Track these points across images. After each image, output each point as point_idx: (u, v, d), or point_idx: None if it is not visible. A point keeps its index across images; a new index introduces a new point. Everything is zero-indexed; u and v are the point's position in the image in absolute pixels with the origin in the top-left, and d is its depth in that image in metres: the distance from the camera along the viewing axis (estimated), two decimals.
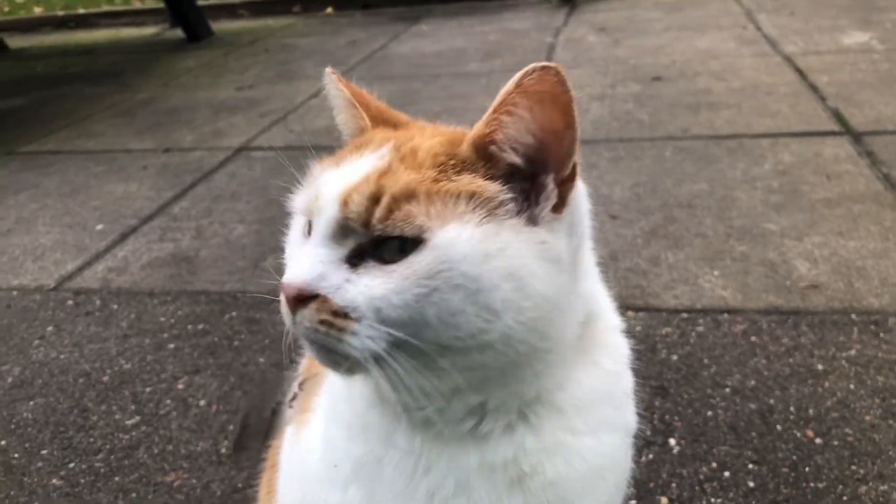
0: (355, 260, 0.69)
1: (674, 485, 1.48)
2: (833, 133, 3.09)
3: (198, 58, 5.91)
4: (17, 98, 5.20)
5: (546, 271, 0.69)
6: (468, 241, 0.66)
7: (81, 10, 8.79)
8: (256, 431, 1.72)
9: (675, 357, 1.86)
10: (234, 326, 2.19)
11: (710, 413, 1.66)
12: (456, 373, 0.70)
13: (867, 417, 1.61)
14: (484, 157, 0.71)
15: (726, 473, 1.50)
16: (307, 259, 0.70)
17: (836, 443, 1.55)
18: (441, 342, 0.68)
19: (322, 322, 0.68)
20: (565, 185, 0.72)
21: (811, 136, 3.08)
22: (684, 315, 2.03)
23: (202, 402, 1.86)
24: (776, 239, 2.36)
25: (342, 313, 0.67)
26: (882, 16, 4.75)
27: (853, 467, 1.48)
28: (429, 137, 0.75)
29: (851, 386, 1.71)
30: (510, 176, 0.71)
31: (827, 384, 1.72)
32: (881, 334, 1.88)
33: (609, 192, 2.79)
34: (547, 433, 0.77)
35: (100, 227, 2.99)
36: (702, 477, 1.49)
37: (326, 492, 0.85)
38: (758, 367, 1.80)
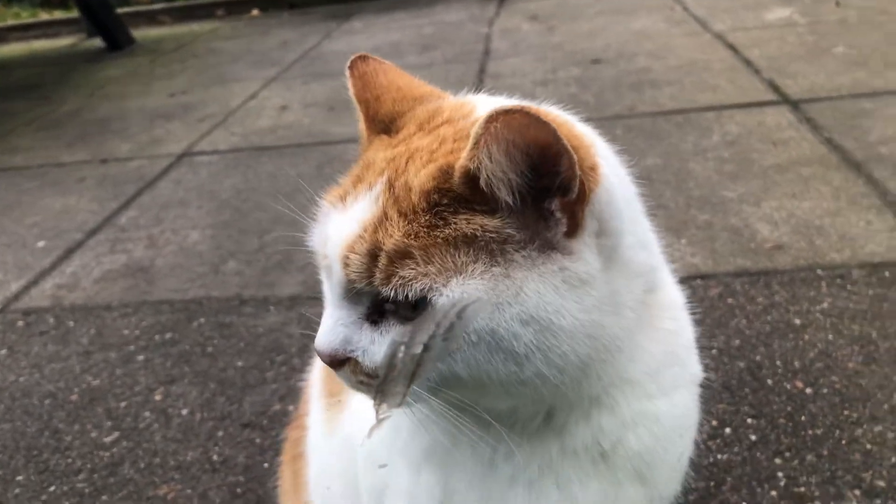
0: (375, 317, 0.67)
1: None
2: (772, 102, 3.20)
3: (121, 66, 5.68)
4: None
5: (572, 299, 0.63)
6: (476, 293, 0.61)
7: None
8: None
9: None
10: (204, 333, 2.11)
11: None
12: (503, 401, 0.70)
13: (850, 365, 1.66)
14: (477, 191, 0.62)
15: (727, 430, 1.53)
16: (329, 323, 0.69)
17: (825, 391, 1.60)
18: (479, 386, 0.66)
19: (361, 383, 0.69)
20: (576, 207, 0.63)
21: (752, 107, 3.18)
22: None
23: (184, 412, 1.78)
24: (735, 205, 2.42)
25: (375, 374, 0.67)
26: None
27: (846, 412, 1.53)
28: (423, 162, 0.66)
29: (830, 337, 1.76)
30: (511, 207, 0.62)
31: (807, 337, 1.77)
32: (848, 286, 1.95)
33: None
34: (623, 407, 0.76)
35: (41, 244, 2.83)
36: (704, 436, 1.51)
37: (393, 476, 0.81)
38: (739, 326, 1.84)
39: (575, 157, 0.59)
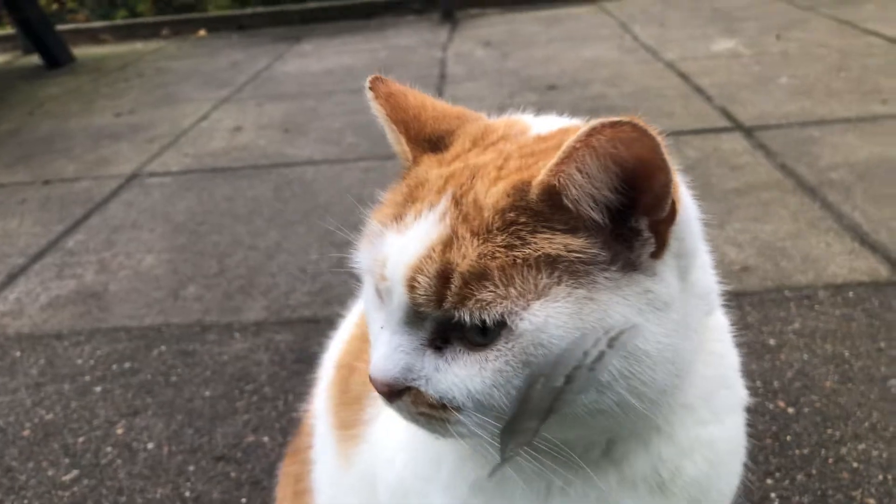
0: (439, 343, 0.63)
1: None
2: (727, 129, 3.29)
3: (62, 85, 5.46)
4: None
5: (656, 323, 0.61)
6: (558, 318, 0.58)
7: None
8: None
9: None
10: (166, 361, 2.00)
11: None
12: (573, 431, 0.66)
13: (827, 383, 1.69)
14: (559, 208, 0.59)
15: None
16: (387, 350, 0.64)
17: (806, 410, 1.61)
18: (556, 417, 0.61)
19: (421, 414, 0.64)
20: (664, 226, 0.61)
21: (708, 133, 3.26)
22: None
23: (150, 445, 1.67)
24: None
25: (440, 405, 0.63)
26: (742, 24, 5.15)
27: (829, 431, 1.55)
28: (491, 178, 0.63)
29: (805, 356, 1.79)
30: (597, 225, 0.60)
31: (783, 356, 1.80)
32: (816, 307, 1.99)
33: None
34: (680, 434, 0.74)
35: None
36: None
37: None
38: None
39: (671, 174, 0.57)
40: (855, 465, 1.45)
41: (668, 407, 0.70)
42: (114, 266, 2.59)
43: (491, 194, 0.61)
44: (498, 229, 0.59)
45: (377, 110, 0.75)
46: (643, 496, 0.74)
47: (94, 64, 6.12)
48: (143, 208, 3.05)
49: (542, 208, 0.59)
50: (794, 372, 1.74)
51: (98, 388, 1.91)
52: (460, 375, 0.61)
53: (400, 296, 0.62)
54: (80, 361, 2.04)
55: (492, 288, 0.58)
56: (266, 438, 1.66)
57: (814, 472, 1.44)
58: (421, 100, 0.77)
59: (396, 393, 0.64)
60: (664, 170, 0.56)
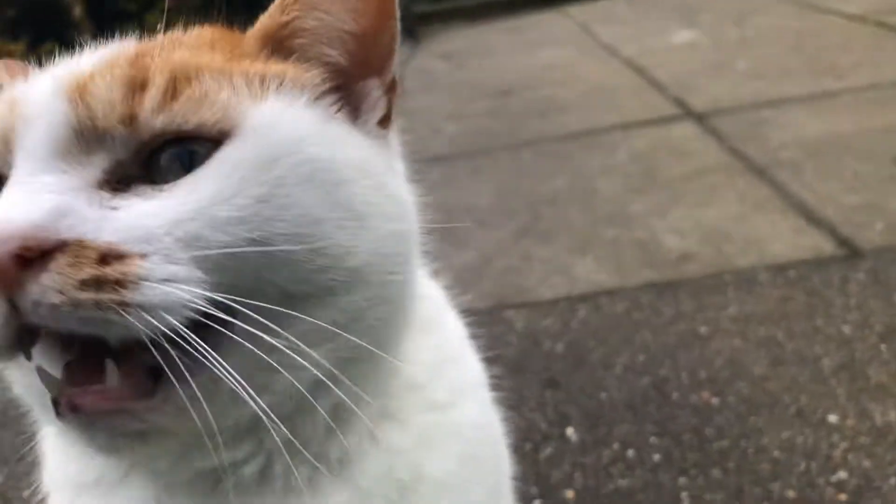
0: (112, 186, 0.46)
1: (577, 475, 1.35)
2: (677, 117, 3.18)
3: None
4: None
5: (394, 176, 0.58)
6: (301, 119, 0.50)
7: None
8: None
9: (560, 347, 1.76)
10: None
11: (604, 395, 1.56)
12: (315, 347, 0.48)
13: (756, 369, 1.56)
14: (282, 53, 0.54)
15: (630, 452, 1.39)
16: (22, 194, 0.43)
17: (731, 399, 1.48)
18: (295, 283, 0.47)
19: (86, 283, 0.40)
20: (390, 93, 0.58)
21: (659, 123, 3.15)
22: (563, 304, 1.94)
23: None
24: (642, 219, 2.34)
25: (115, 255, 0.42)
26: (701, 16, 5.06)
27: (752, 419, 1.41)
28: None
29: (736, 342, 1.66)
30: (326, 74, 0.55)
31: (713, 345, 1.67)
32: (754, 289, 1.86)
33: (475, 202, 2.71)
34: (412, 419, 0.60)
35: None
36: (606, 461, 1.38)
37: None
38: (644, 341, 1.73)
39: (398, 34, 0.56)
40: (776, 454, 1.31)
41: (391, 384, 0.59)
42: None
43: (194, 33, 0.55)
44: (208, 51, 0.52)
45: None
46: None
47: None
48: None
49: (257, 50, 0.54)
50: (723, 360, 1.61)
51: None
52: (160, 205, 0.44)
53: (53, 115, 0.45)
54: None
55: (209, 82, 0.47)
56: None
57: (731, 465, 1.31)
58: None
59: (39, 261, 0.40)
60: (393, 16, 0.55)
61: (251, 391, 0.44)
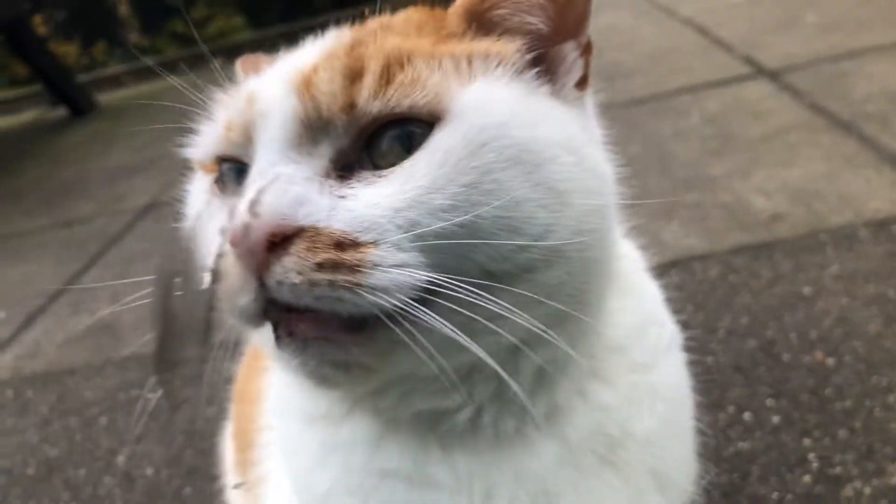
0: (338, 173, 0.50)
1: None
2: (749, 76, 3.07)
3: (84, 131, 5.57)
4: None
5: (595, 147, 0.58)
6: (506, 99, 0.50)
7: None
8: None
9: None
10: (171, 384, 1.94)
11: (710, 360, 1.52)
12: (519, 314, 0.49)
13: (870, 328, 1.50)
14: (484, 28, 0.56)
15: (746, 415, 1.36)
16: (265, 184, 0.48)
17: (847, 358, 1.43)
18: (497, 262, 0.48)
19: (322, 266, 0.45)
20: (586, 53, 0.59)
21: (730, 83, 3.05)
22: (654, 271, 1.90)
23: (149, 471, 1.61)
24: (724, 181, 2.28)
25: (349, 242, 0.46)
26: None
27: (874, 379, 1.36)
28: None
29: (844, 301, 1.60)
30: (526, 43, 0.57)
31: (820, 305, 1.61)
32: (855, 247, 1.79)
33: None
34: (620, 380, 0.61)
35: (0, 315, 2.67)
36: (722, 424, 1.35)
37: None
38: (745, 304, 1.68)
39: None
40: None
41: (596, 346, 0.60)
42: (127, 297, 2.55)
43: (402, 16, 0.57)
44: (415, 36, 0.54)
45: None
46: (591, 471, 0.58)
47: (117, 107, 6.23)
48: (156, 237, 3.03)
49: (462, 28, 0.55)
50: (832, 319, 1.56)
51: (104, 420, 1.86)
52: (379, 195, 0.48)
53: (284, 109, 0.50)
54: (88, 394, 2.00)
55: (419, 66, 0.49)
56: None
57: (857, 426, 1.26)
58: None
59: (281, 245, 0.46)
60: None
61: (462, 340, 0.46)
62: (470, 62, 0.52)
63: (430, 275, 0.46)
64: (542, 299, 0.50)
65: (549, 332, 0.50)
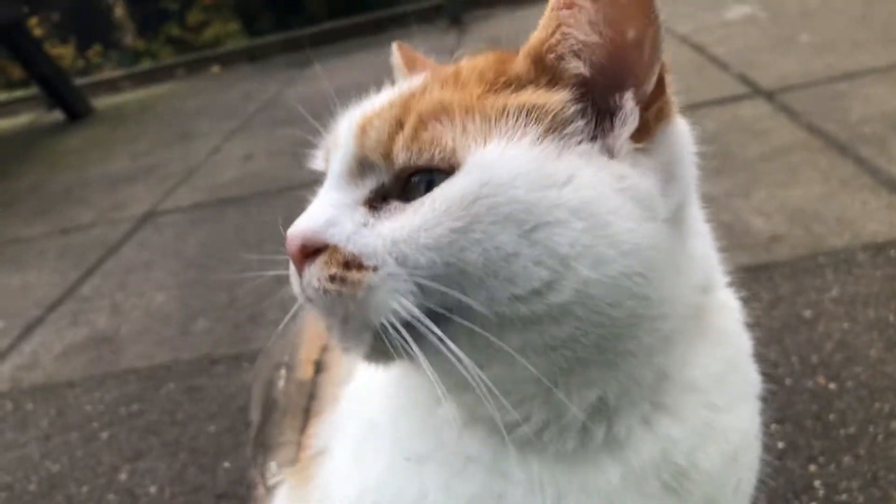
0: (376, 203, 0.58)
1: None
2: (746, 96, 3.11)
3: (82, 136, 5.55)
4: None
5: (632, 213, 0.54)
6: (518, 159, 0.53)
7: None
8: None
9: None
10: (173, 399, 1.94)
11: None
12: (532, 355, 0.54)
13: (872, 352, 1.52)
14: (543, 70, 0.58)
15: None
16: (315, 205, 0.59)
17: (849, 384, 1.45)
18: (496, 305, 0.52)
19: (332, 278, 0.55)
20: (650, 105, 0.57)
21: (726, 102, 3.09)
22: None
23: (152, 489, 1.60)
24: (723, 200, 2.30)
25: (356, 263, 0.55)
26: None
27: (876, 405, 1.39)
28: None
29: (845, 325, 1.63)
30: (577, 92, 0.58)
31: (821, 328, 1.63)
32: (854, 270, 1.82)
33: None
34: (690, 415, 0.63)
35: None
36: None
37: None
38: (746, 325, 1.70)
39: (661, 34, 0.54)
40: None
41: (657, 368, 0.61)
42: (126, 308, 2.55)
43: (472, 63, 0.61)
44: (473, 86, 0.58)
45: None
46: (654, 495, 0.62)
47: (113, 112, 6.22)
48: (154, 247, 3.03)
49: (524, 70, 0.58)
50: (833, 343, 1.58)
51: (105, 434, 1.85)
52: (389, 227, 0.55)
53: (346, 147, 0.59)
54: (89, 408, 1.99)
55: (448, 124, 0.54)
56: None
57: (862, 452, 1.28)
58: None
59: (311, 254, 0.56)
60: (654, 23, 0.54)
61: (467, 367, 0.53)
62: (505, 116, 0.55)
63: (428, 304, 0.53)
64: (557, 346, 0.55)
65: (575, 371, 0.57)
